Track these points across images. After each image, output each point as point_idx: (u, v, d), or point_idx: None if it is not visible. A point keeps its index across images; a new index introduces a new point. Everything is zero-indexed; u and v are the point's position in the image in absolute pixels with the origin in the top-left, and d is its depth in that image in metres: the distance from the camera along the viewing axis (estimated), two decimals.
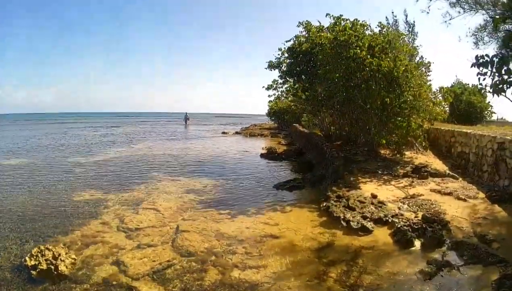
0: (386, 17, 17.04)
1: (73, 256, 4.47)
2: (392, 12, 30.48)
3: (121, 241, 5.34)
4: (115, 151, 17.93)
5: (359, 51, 9.52)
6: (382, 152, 11.47)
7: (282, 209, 7.08)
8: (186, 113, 47.28)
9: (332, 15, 10.88)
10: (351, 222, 5.62)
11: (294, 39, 14.38)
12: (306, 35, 13.78)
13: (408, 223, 5.37)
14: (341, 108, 12.32)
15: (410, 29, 21.12)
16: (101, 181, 10.07)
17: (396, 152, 10.41)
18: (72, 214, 6.79)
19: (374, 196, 6.85)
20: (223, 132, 33.32)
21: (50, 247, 4.47)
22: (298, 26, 13.97)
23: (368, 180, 8.45)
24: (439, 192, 7.15)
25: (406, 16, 21.47)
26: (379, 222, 5.65)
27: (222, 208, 7.20)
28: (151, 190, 8.96)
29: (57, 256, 4.25)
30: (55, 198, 8.11)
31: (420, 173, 8.39)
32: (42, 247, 4.46)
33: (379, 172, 9.07)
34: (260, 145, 20.20)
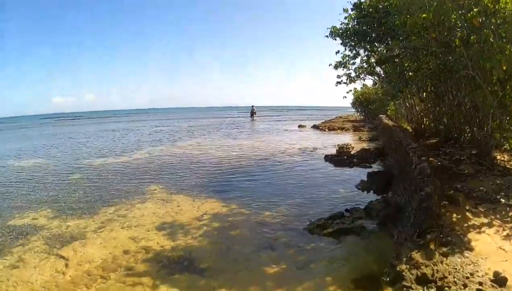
0: None
1: None
2: None
3: None
4: (149, 149, 16.53)
5: None
6: (499, 157, 7.05)
7: None
8: (253, 106, 45.73)
9: None
10: None
11: None
12: None
13: None
14: (436, 87, 8.12)
15: None
16: (73, 194, 8.48)
17: None
18: None
19: (500, 281, 3.03)
20: (300, 126, 30.15)
21: None
22: None
23: (484, 219, 4.43)
24: None
25: None
26: None
27: (176, 278, 4.24)
28: (117, 216, 6.72)
29: None
30: None
31: None
32: None
33: (502, 199, 5.02)
34: (336, 141, 16.51)
